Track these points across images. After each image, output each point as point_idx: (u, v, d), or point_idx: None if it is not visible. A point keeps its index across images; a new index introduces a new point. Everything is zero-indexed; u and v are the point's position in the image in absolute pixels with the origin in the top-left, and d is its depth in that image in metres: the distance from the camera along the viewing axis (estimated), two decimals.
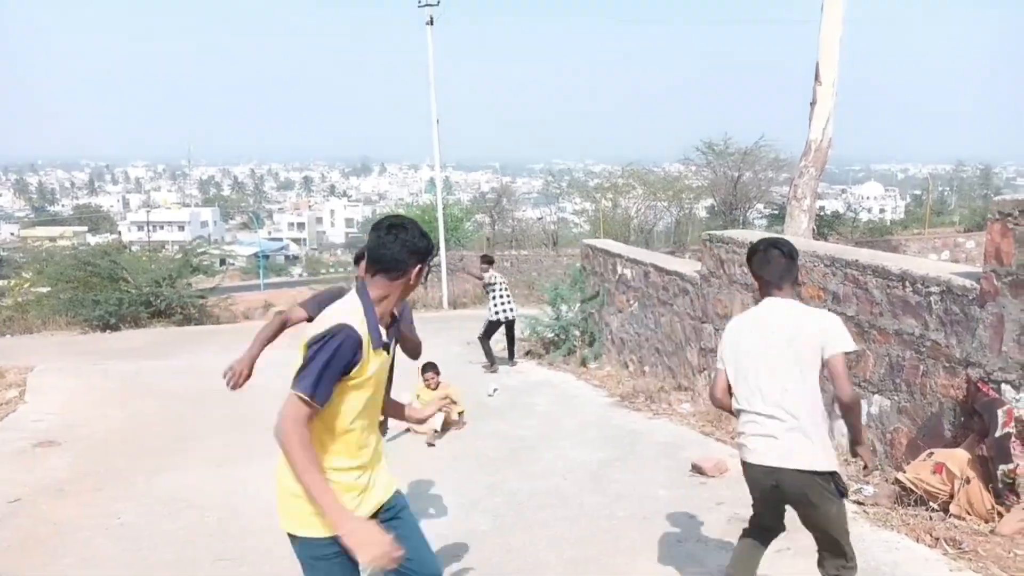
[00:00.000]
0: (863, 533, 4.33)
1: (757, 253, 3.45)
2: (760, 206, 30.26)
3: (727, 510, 4.92)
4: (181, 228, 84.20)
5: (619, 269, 10.50)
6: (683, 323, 8.66)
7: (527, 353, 11.41)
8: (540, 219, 33.02)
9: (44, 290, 19.29)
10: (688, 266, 9.04)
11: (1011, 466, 4.26)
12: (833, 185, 79.03)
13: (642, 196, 31.26)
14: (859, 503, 4.85)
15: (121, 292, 16.60)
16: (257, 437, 7.12)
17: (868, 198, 71.16)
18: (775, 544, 3.52)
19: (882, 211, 61.40)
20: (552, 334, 11.53)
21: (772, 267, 3.38)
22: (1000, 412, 4.36)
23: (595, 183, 36.49)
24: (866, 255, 5.93)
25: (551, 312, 11.56)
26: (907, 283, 5.26)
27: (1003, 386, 4.53)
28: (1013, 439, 4.30)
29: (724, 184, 30.32)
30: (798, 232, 11.67)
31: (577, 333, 11.29)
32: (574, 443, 6.66)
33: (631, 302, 10.11)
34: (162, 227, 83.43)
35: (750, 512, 4.61)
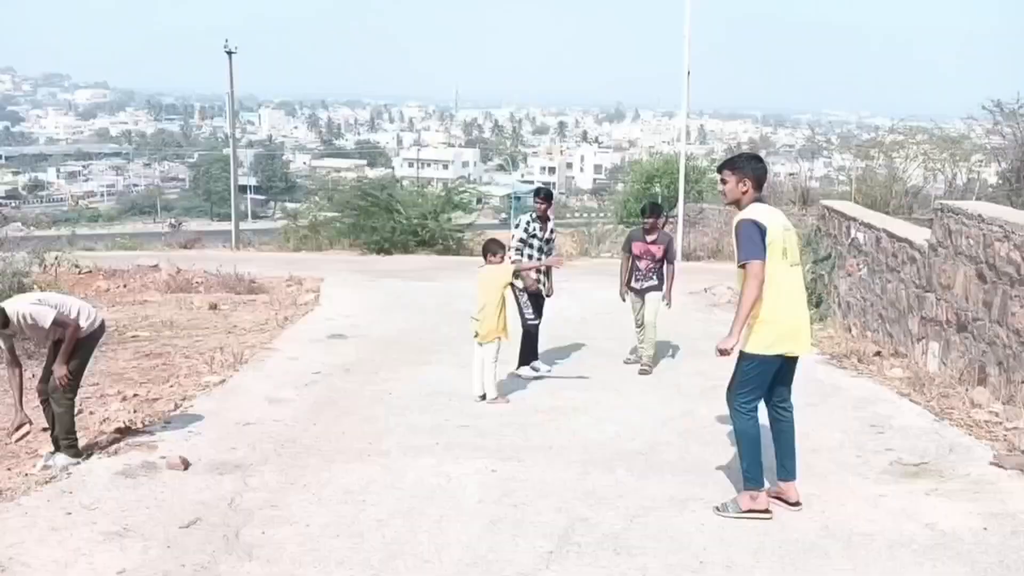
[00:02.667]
0: None
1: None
2: None
3: (893, 456, 5.39)
4: (445, 167, 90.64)
5: (852, 232, 10.52)
6: (908, 290, 8.70)
7: None
8: (791, 175, 31.80)
9: (331, 214, 22.52)
10: (920, 234, 8.96)
11: None
12: None
13: (915, 155, 28.94)
14: None
15: (394, 222, 19.05)
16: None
17: None
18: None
19: None
20: None
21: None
22: None
23: (867, 137, 34.22)
24: None
25: None
26: None
27: None
28: None
29: (1013, 149, 27.23)
30: None
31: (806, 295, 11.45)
32: None
33: (861, 266, 10.16)
34: (429, 165, 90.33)
35: (915, 459, 5.11)
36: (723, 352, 4.39)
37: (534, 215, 7.72)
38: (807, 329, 4.55)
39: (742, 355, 4.46)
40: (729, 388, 4.58)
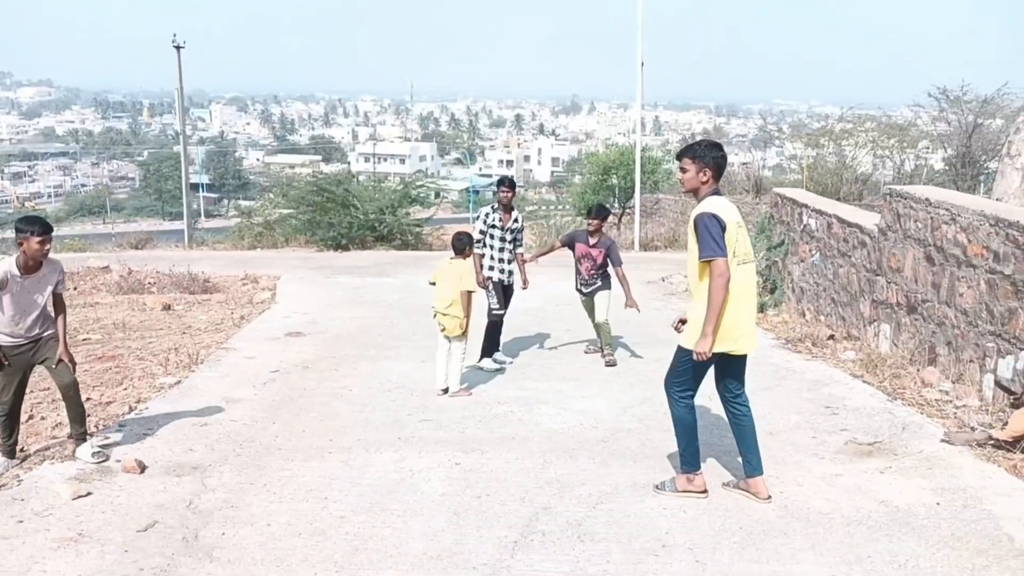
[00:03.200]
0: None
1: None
2: (994, 163, 27.58)
3: (847, 436, 5.52)
4: (402, 161, 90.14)
5: (804, 219, 10.71)
6: (859, 274, 8.89)
7: None
8: (744, 164, 32.26)
9: (286, 211, 22.20)
10: (870, 219, 9.17)
11: None
12: None
13: (864, 143, 29.49)
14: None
15: (351, 217, 18.84)
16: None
17: None
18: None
19: None
20: None
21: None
22: None
23: (817, 126, 34.78)
24: None
25: None
26: None
27: None
28: None
29: (958, 135, 27.91)
30: (1008, 191, 11.14)
31: (759, 280, 11.65)
32: None
33: (813, 252, 10.35)
34: (386, 159, 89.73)
35: (869, 438, 5.22)
36: (700, 356, 4.35)
37: (495, 205, 7.72)
38: (750, 329, 4.49)
39: (680, 347, 4.49)
40: (667, 376, 4.64)
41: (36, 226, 5.08)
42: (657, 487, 4.74)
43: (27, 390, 6.74)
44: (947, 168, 28.10)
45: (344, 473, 5.09)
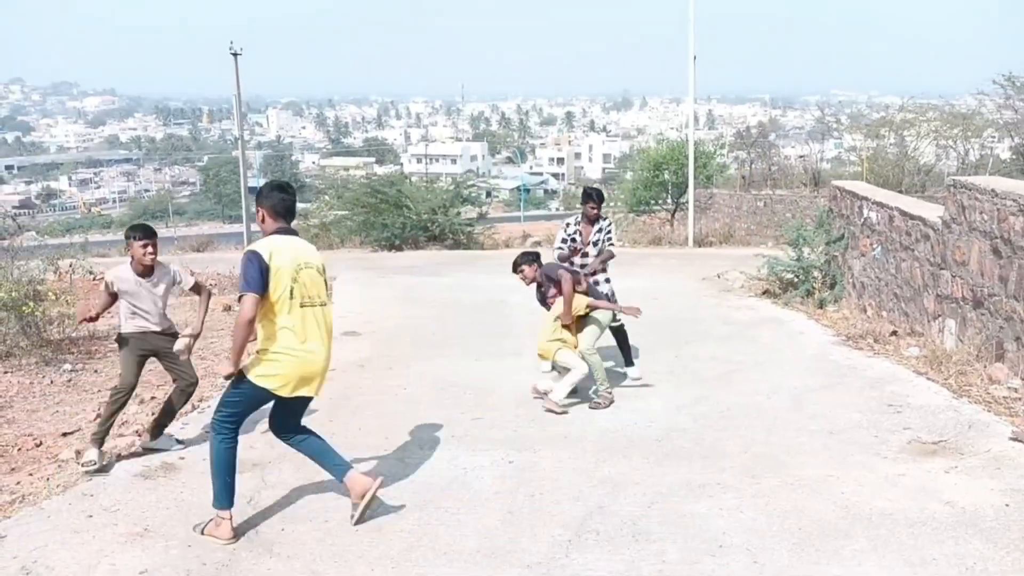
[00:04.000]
0: None
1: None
2: None
3: (911, 434, 5.36)
4: (453, 161, 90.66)
5: (864, 212, 10.44)
6: (922, 268, 8.62)
7: (764, 292, 11.73)
8: (802, 157, 31.57)
9: (342, 213, 22.58)
10: (933, 211, 8.89)
11: None
12: None
13: (926, 133, 28.59)
14: None
15: (404, 218, 19.09)
16: (504, 340, 8.52)
17: None
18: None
19: None
20: (791, 274, 11.70)
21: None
22: None
23: (877, 117, 33.85)
24: None
25: (792, 253, 11.70)
26: None
27: None
28: None
29: None
30: None
31: (818, 275, 11.38)
32: (786, 371, 7.23)
33: (874, 246, 10.08)
34: (437, 160, 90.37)
35: (933, 437, 5.08)
36: (226, 378, 4.34)
37: (579, 218, 7.19)
38: (312, 374, 4.34)
39: (240, 374, 4.31)
40: (219, 404, 4.49)
41: (137, 231, 5.50)
42: (195, 527, 4.36)
43: (96, 388, 6.99)
44: (1015, 157, 27.05)
45: (399, 470, 5.15)
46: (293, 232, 4.50)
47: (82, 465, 5.22)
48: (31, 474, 5.38)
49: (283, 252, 4.27)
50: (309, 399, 4.51)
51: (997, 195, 6.86)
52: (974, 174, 27.13)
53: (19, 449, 5.86)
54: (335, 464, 4.54)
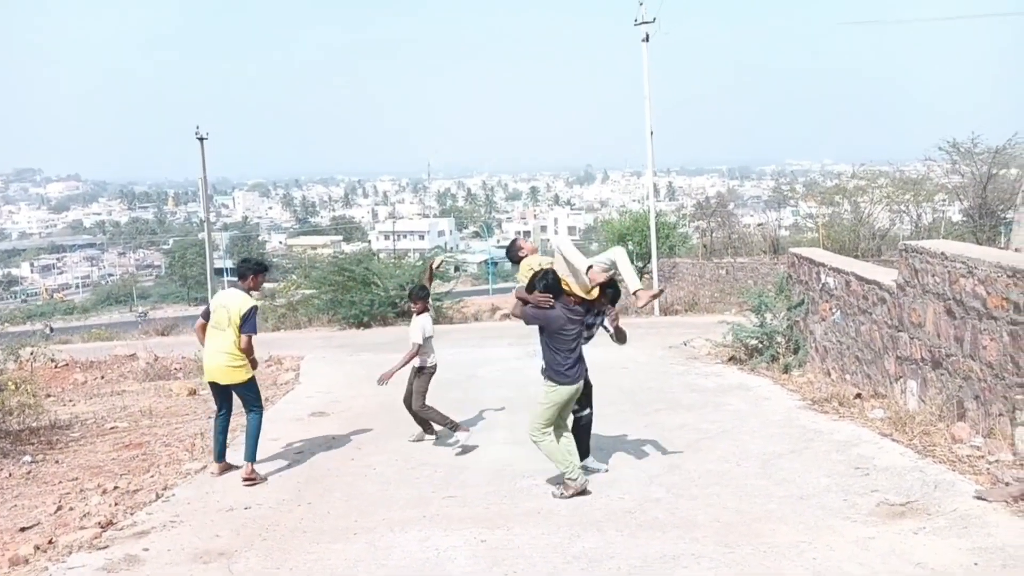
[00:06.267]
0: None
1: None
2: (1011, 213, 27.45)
3: (879, 496, 5.42)
4: (421, 237, 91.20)
5: (822, 277, 10.71)
6: (881, 331, 8.83)
7: (730, 359, 11.88)
8: (760, 225, 32.39)
9: (309, 292, 22.52)
10: (888, 275, 9.15)
11: None
12: None
13: (879, 199, 29.57)
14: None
15: (372, 295, 19.08)
16: (475, 416, 8.49)
17: None
18: None
19: None
20: (755, 341, 11.88)
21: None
22: None
23: (831, 184, 34.92)
24: None
25: (755, 319, 11.90)
26: None
27: None
28: None
29: (973, 186, 27.91)
30: None
31: (781, 340, 11.57)
32: (754, 437, 7.28)
33: (833, 310, 10.31)
34: (405, 236, 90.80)
35: (901, 498, 5.13)
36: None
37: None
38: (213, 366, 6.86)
39: None
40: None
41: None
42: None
43: (57, 480, 6.83)
44: (965, 220, 28.03)
45: (369, 555, 5.05)
46: (235, 285, 6.98)
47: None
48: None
49: (219, 298, 6.98)
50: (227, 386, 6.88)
51: (947, 258, 7.12)
52: (928, 237, 28.07)
53: None
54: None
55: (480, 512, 5.71)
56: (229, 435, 7.08)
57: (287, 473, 6.87)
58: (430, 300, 8.10)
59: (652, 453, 6.97)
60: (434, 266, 8.51)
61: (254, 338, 6.79)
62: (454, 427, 7.49)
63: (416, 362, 7.62)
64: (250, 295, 6.87)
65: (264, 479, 6.66)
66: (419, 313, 7.70)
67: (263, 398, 10.11)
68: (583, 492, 5.82)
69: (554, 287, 5.88)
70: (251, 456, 6.66)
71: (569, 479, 5.81)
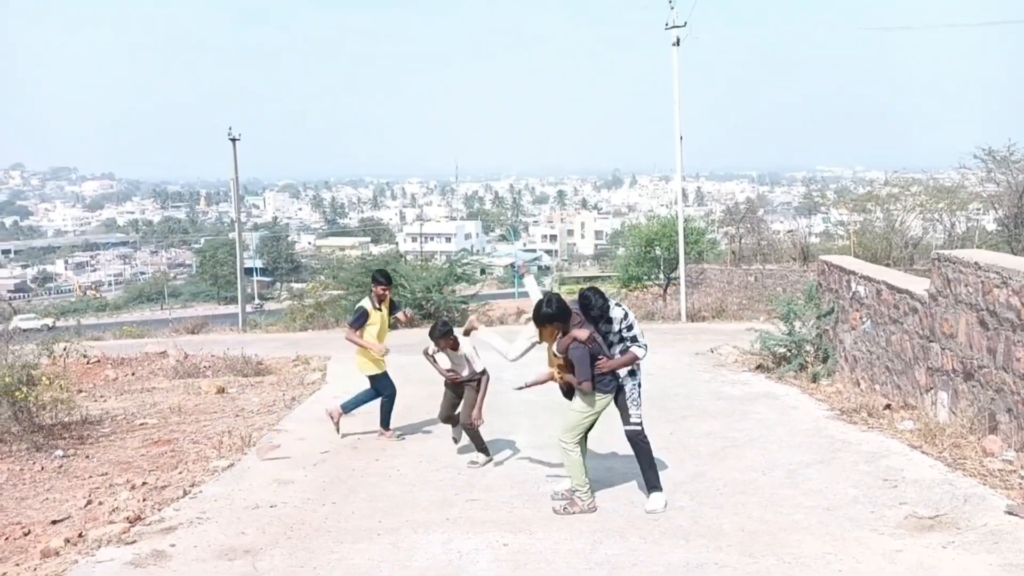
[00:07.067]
0: None
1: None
2: None
3: (907, 509, 5.33)
4: (448, 240, 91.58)
5: (853, 286, 10.58)
6: (912, 341, 8.70)
7: (757, 367, 11.76)
8: (790, 232, 32.07)
9: (337, 292, 22.73)
10: (919, 284, 9.02)
11: None
12: None
13: (911, 207, 29.18)
14: None
15: (399, 296, 19.20)
16: (498, 419, 8.49)
17: None
18: None
19: None
20: (783, 349, 11.75)
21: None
22: None
23: (863, 191, 34.56)
24: None
25: (783, 327, 11.78)
26: None
27: None
28: None
29: (1008, 195, 27.43)
30: None
31: (810, 349, 11.44)
32: (781, 447, 7.21)
33: (864, 319, 10.18)
34: (432, 239, 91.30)
35: (930, 511, 5.05)
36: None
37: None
38: None
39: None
40: None
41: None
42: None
43: (87, 475, 6.95)
44: (1000, 229, 27.53)
45: (392, 555, 5.08)
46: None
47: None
48: (17, 564, 5.29)
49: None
50: None
51: (981, 268, 7.00)
52: (961, 246, 27.59)
53: (6, 539, 5.77)
54: None
55: (503, 516, 5.72)
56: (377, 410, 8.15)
57: (313, 473, 6.93)
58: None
59: (677, 460, 6.92)
60: (468, 329, 6.88)
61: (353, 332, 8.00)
62: (486, 454, 7.16)
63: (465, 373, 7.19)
64: (370, 299, 8.05)
65: (337, 430, 8.01)
66: (454, 348, 7.06)
67: (291, 397, 10.32)
68: (587, 511, 5.71)
69: (563, 310, 5.64)
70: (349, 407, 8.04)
71: (580, 497, 5.74)
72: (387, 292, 8.21)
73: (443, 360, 7.24)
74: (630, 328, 5.80)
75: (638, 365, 5.89)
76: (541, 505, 5.92)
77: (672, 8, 20.01)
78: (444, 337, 6.93)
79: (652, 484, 5.75)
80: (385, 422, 8.16)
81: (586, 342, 5.48)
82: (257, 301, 60.46)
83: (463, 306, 20.56)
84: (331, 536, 5.43)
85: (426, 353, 7.32)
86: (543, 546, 5.13)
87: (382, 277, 8.26)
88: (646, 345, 5.84)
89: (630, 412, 5.79)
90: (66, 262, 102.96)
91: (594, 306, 5.68)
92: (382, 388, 8.14)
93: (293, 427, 8.64)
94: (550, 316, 5.57)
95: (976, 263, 7.12)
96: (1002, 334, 6.59)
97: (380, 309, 8.12)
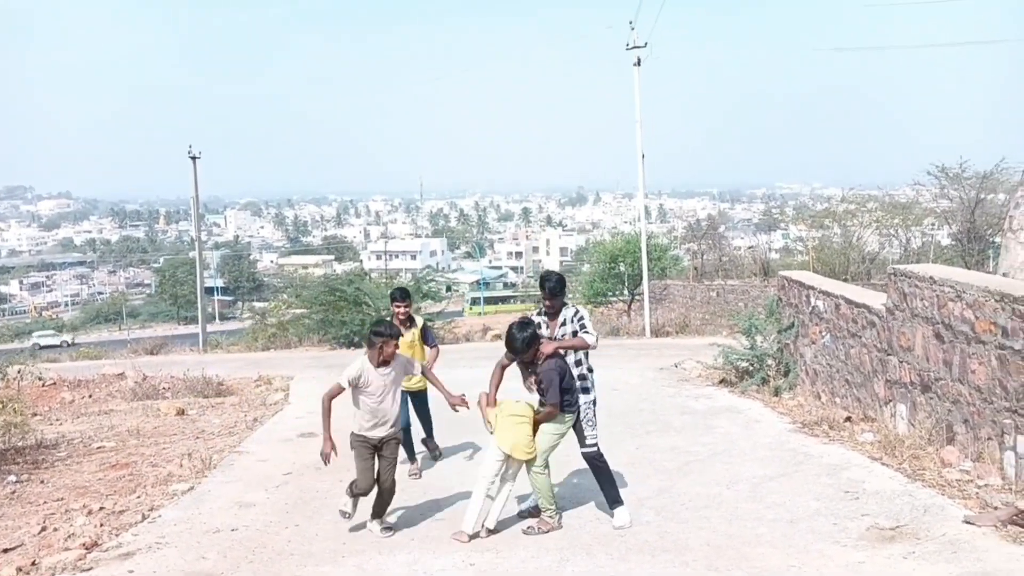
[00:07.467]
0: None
1: None
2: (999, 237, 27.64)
3: (869, 521, 5.41)
4: (413, 257, 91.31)
5: (812, 301, 10.75)
6: (870, 355, 8.86)
7: (721, 381, 11.88)
8: (751, 248, 32.56)
9: (300, 311, 22.49)
10: (877, 299, 9.20)
11: None
12: None
13: (868, 223, 29.86)
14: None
15: (363, 314, 19.06)
16: (463, 436, 8.44)
17: None
18: None
19: None
20: (745, 363, 11.88)
21: None
22: None
23: (820, 208, 35.30)
24: None
25: (745, 342, 11.91)
26: None
27: None
28: None
29: (961, 211, 28.20)
30: (1014, 265, 11.19)
31: (772, 363, 11.58)
32: (744, 460, 7.28)
33: (823, 334, 10.34)
34: (397, 256, 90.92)
35: (891, 523, 5.12)
36: None
37: (541, 309, 6.23)
38: None
39: None
40: None
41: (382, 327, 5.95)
42: None
43: (41, 500, 6.76)
44: (954, 244, 28.28)
45: None
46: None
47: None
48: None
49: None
50: None
51: (935, 282, 7.16)
52: (917, 261, 28.28)
53: None
54: None
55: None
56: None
57: (275, 495, 6.82)
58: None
59: (643, 475, 6.95)
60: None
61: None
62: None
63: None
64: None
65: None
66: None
67: (253, 418, 10.15)
68: (555, 528, 5.73)
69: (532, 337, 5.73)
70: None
71: (548, 517, 5.73)
72: (408, 309, 7.34)
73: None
74: (581, 319, 5.95)
75: (592, 382, 5.99)
76: (506, 523, 5.88)
77: (633, 29, 20.32)
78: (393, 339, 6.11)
79: (614, 499, 5.80)
80: (409, 453, 7.33)
81: (553, 355, 5.59)
82: (219, 321, 59.58)
83: (429, 323, 20.46)
84: (295, 559, 5.34)
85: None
86: (509, 564, 5.11)
87: (398, 293, 7.42)
88: (597, 336, 6.06)
89: (586, 434, 5.87)
90: (21, 282, 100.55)
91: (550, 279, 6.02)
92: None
93: (255, 448, 8.49)
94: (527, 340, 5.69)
95: (931, 278, 7.29)
96: (957, 347, 6.74)
97: (402, 334, 6.98)
